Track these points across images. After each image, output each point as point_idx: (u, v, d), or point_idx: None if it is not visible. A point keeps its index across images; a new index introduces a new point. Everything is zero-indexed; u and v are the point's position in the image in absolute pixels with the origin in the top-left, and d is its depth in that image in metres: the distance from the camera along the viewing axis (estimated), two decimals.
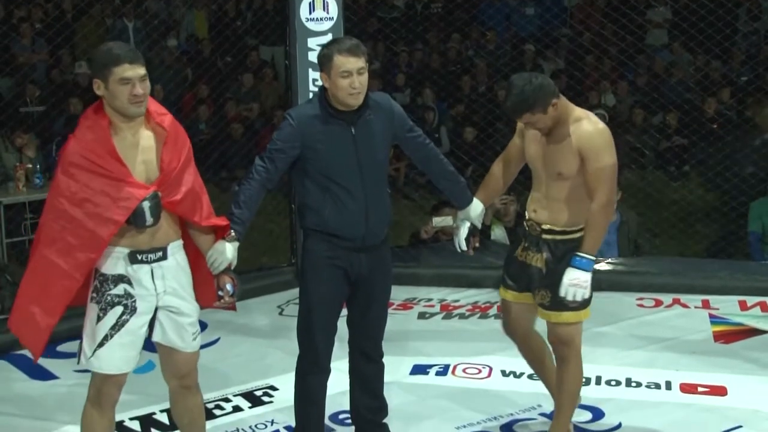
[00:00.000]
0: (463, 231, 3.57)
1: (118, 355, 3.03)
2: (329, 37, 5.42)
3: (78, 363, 3.08)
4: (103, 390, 3.09)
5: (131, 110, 2.94)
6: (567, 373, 3.49)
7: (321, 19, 5.44)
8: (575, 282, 3.28)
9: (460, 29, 10.92)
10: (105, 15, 10.09)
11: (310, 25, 5.45)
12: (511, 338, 3.63)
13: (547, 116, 3.27)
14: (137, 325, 3.03)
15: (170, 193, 3.00)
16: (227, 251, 3.12)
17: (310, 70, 5.46)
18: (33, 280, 3.01)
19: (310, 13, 5.43)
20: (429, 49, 10.86)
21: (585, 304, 3.41)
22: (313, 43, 5.44)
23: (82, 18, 9.96)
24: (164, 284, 3.05)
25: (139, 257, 3.00)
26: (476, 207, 3.56)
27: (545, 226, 3.40)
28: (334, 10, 5.45)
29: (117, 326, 3.00)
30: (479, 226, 3.60)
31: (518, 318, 3.56)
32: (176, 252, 3.09)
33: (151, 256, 3.02)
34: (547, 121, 3.28)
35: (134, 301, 3.01)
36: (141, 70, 2.93)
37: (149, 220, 2.94)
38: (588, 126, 3.32)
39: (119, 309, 3.00)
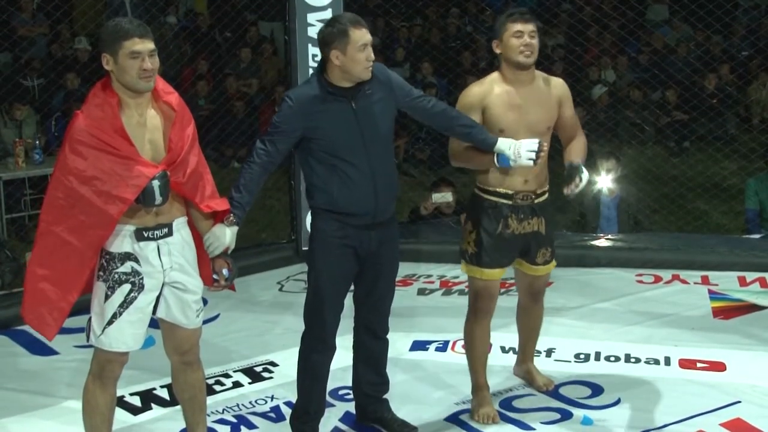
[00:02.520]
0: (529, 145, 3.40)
1: (127, 332, 3.03)
2: (329, 12, 5.39)
3: (87, 341, 3.08)
4: (107, 366, 3.09)
5: (140, 85, 2.93)
6: (541, 307, 3.89)
7: None
8: (585, 178, 3.49)
9: (458, 4, 10.85)
10: None
11: (310, 0, 5.40)
12: (485, 317, 3.68)
13: (538, 42, 3.48)
14: (145, 302, 3.03)
15: (176, 173, 2.99)
16: (224, 236, 3.10)
17: (309, 45, 5.43)
18: (44, 259, 2.98)
19: None
20: (428, 24, 10.80)
21: None
22: (313, 18, 5.41)
23: None
24: (171, 260, 3.04)
25: (146, 234, 2.99)
26: (504, 141, 3.41)
27: (539, 191, 3.56)
28: None
29: (125, 304, 3.00)
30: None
31: (497, 291, 3.72)
32: (181, 228, 3.09)
33: (158, 232, 3.01)
34: (537, 46, 3.47)
35: (141, 279, 3.00)
36: (150, 45, 2.93)
37: (158, 199, 2.93)
38: (556, 77, 3.66)
39: (127, 287, 2.99)
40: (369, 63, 3.20)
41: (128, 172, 2.89)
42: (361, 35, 3.17)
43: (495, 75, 3.58)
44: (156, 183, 2.91)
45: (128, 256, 2.99)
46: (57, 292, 2.97)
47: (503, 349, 4.32)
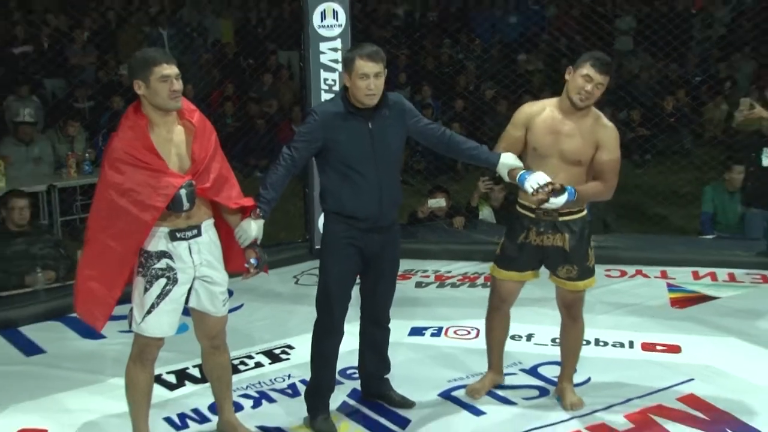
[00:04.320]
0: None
1: (164, 320, 3.04)
2: (338, 41, 5.39)
3: (129, 328, 3.10)
4: (146, 350, 3.11)
5: (170, 104, 2.93)
6: (580, 328, 3.60)
7: (331, 26, 5.41)
8: (555, 203, 3.24)
9: (451, 35, 10.87)
10: (143, 24, 10.06)
11: (322, 32, 5.42)
12: (497, 311, 3.63)
13: (601, 92, 3.31)
14: (179, 294, 3.04)
15: (201, 180, 3.00)
16: (250, 229, 3.10)
17: (321, 70, 5.44)
18: (91, 261, 3.00)
19: (322, 20, 5.40)
20: (425, 52, 10.82)
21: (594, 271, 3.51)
22: (325, 47, 5.42)
23: (123, 26, 9.96)
24: (200, 257, 3.05)
25: (178, 235, 3.00)
26: (507, 156, 3.34)
27: (563, 209, 3.36)
28: (342, 18, 5.41)
29: (162, 295, 3.01)
30: (520, 163, 3.36)
31: (511, 295, 3.59)
32: (209, 229, 3.10)
33: (188, 233, 3.02)
34: (599, 94, 3.31)
35: (175, 273, 3.01)
36: (176, 69, 2.95)
37: (186, 205, 2.94)
38: (608, 122, 3.40)
39: (163, 281, 3.01)
40: (369, 91, 3.15)
41: (159, 183, 2.90)
42: (363, 65, 3.14)
43: (554, 99, 3.40)
44: (183, 191, 2.92)
45: (164, 254, 3.00)
46: (103, 290, 2.98)
47: None
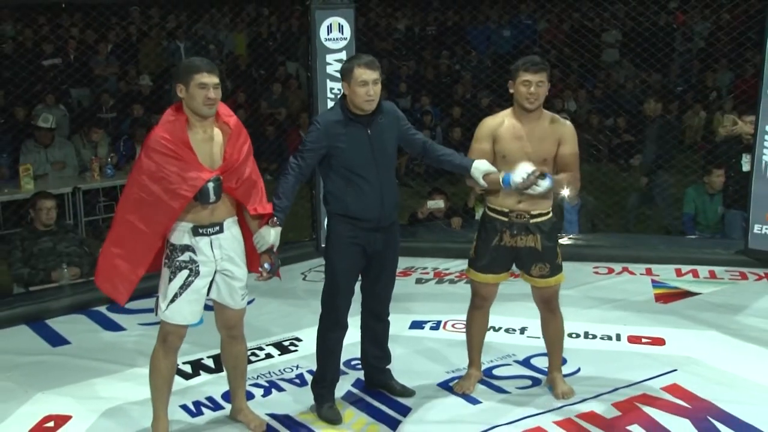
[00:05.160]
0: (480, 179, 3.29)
1: (186, 309, 3.05)
2: (343, 53, 5.38)
3: (155, 315, 3.11)
4: (169, 337, 3.12)
5: (204, 110, 2.95)
6: (559, 319, 3.57)
7: (337, 39, 5.40)
8: (543, 185, 3.21)
9: (448, 47, 10.85)
10: (162, 38, 10.06)
11: (328, 44, 5.41)
12: (480, 310, 3.61)
13: (546, 88, 3.31)
14: (200, 285, 3.04)
15: (229, 179, 3.01)
16: (269, 235, 3.09)
17: (327, 80, 5.43)
18: (118, 241, 3.02)
19: (328, 34, 5.39)
20: (424, 63, 10.79)
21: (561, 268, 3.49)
22: (331, 58, 5.41)
23: (144, 40, 9.95)
24: (221, 252, 3.05)
25: (201, 231, 3.01)
26: (480, 162, 3.30)
27: (534, 212, 3.36)
28: (347, 31, 5.41)
29: (184, 286, 3.02)
30: (495, 169, 3.31)
31: (492, 294, 3.57)
32: (231, 226, 3.09)
33: (210, 230, 3.02)
34: (544, 92, 3.31)
35: (197, 266, 3.02)
36: (215, 79, 2.95)
37: (212, 197, 2.96)
38: (565, 120, 3.44)
39: (185, 272, 3.02)
40: (368, 97, 3.15)
41: (189, 175, 2.92)
42: (362, 73, 3.14)
43: (509, 110, 3.41)
44: (211, 185, 2.94)
45: (187, 248, 3.01)
46: (128, 267, 3.00)
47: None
